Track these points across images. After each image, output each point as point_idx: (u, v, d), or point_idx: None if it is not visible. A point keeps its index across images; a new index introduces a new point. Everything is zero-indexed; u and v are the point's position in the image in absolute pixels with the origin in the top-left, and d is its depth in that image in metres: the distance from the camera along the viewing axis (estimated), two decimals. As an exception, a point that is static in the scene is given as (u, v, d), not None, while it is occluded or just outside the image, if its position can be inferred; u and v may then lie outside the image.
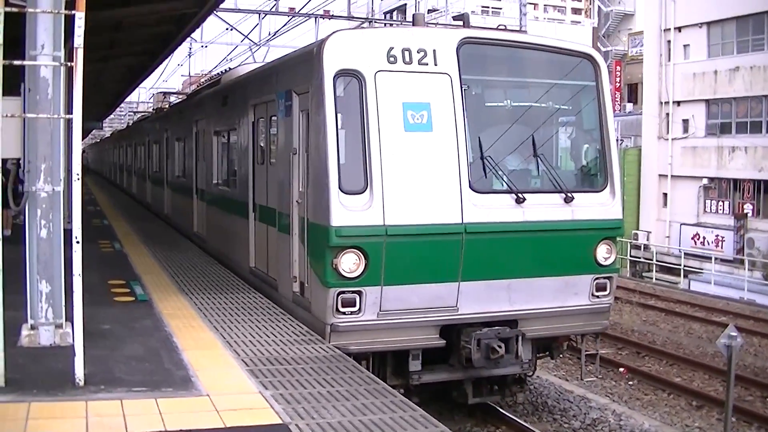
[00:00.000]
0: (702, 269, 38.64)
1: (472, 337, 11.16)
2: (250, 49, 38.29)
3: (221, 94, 18.32)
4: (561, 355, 13.86)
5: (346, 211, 10.58)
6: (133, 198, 38.32)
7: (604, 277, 12.17)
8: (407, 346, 11.20)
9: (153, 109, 43.39)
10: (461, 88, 11.22)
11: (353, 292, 10.76)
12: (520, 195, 11.39)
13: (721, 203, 43.19)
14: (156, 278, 14.84)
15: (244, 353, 9.71)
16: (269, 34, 37.21)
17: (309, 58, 11.37)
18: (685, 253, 39.62)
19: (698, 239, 42.89)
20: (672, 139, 45.60)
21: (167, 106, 34.00)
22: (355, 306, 10.80)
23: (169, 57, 32.08)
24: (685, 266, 38.06)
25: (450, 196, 11.01)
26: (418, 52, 11.05)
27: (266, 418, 7.53)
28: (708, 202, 44.03)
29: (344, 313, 10.77)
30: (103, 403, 7.75)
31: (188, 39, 32.67)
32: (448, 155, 11.06)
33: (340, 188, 10.60)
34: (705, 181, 43.77)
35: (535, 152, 11.84)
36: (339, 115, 10.78)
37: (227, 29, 37.78)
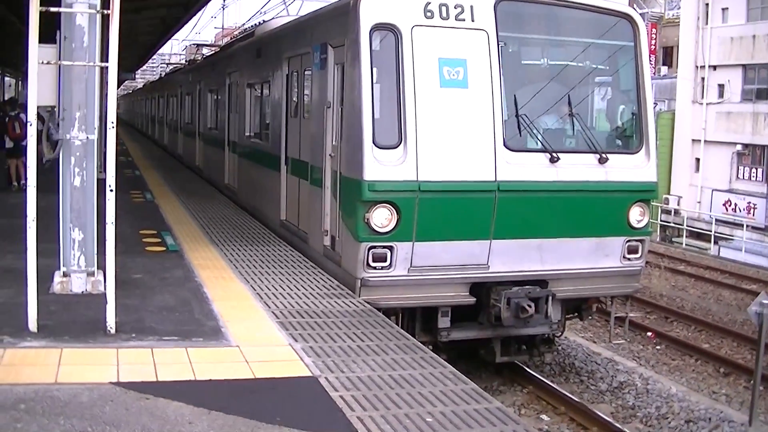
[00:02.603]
0: (732, 236, 38.35)
1: (502, 295, 11.12)
2: (284, 2, 38.06)
3: (255, 46, 18.25)
4: (590, 317, 13.81)
5: (379, 166, 10.54)
6: (165, 149, 38.43)
7: (636, 240, 12.09)
8: (437, 302, 11.20)
9: (186, 61, 43.34)
10: (498, 45, 11.09)
11: (384, 247, 10.75)
12: (554, 154, 11.31)
13: (754, 170, 42.70)
14: (187, 229, 14.91)
15: (274, 305, 9.74)
16: (303, -12, 36.94)
17: (345, 11, 11.27)
18: (716, 220, 39.29)
19: (729, 206, 42.48)
20: (707, 104, 45.05)
21: (200, 58, 33.93)
22: (385, 261, 10.79)
23: (203, 9, 31.97)
24: (715, 232, 37.78)
25: (484, 154, 10.94)
26: (455, 8, 10.92)
27: (296, 370, 7.56)
28: (741, 168, 43.53)
29: (375, 268, 10.77)
30: (133, 351, 7.81)
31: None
32: (483, 112, 10.96)
33: (374, 142, 10.56)
34: (739, 147, 43.22)
35: (570, 112, 11.76)
36: (374, 69, 10.74)
37: (262, -18, 37.58)
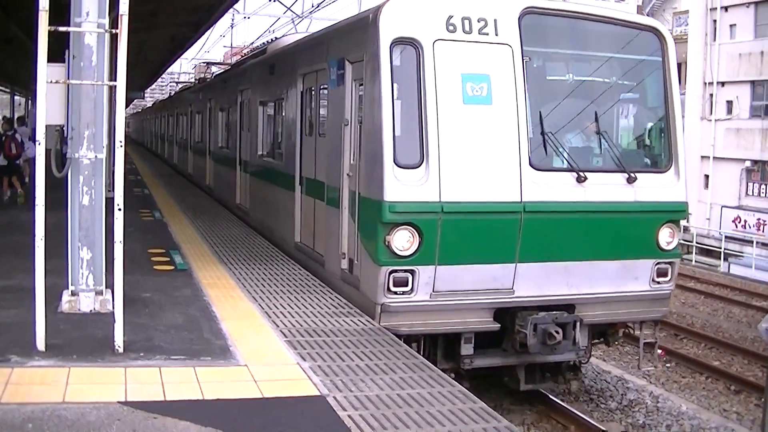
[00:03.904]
0: (742, 253, 38.26)
1: (528, 321, 10.69)
2: (293, 21, 38.24)
3: (268, 63, 17.97)
4: (616, 342, 13.50)
5: (400, 186, 10.18)
6: (175, 168, 38.41)
7: (666, 262, 11.71)
8: (460, 328, 10.80)
9: (196, 79, 43.50)
10: (522, 60, 10.75)
11: (406, 270, 10.37)
12: (581, 174, 10.93)
13: (763, 186, 42.68)
14: (196, 248, 14.90)
15: (282, 324, 9.71)
16: (312, 6, 37.12)
17: (364, 25, 10.97)
18: (725, 236, 39.21)
19: (739, 222, 42.43)
20: (715, 120, 45.10)
21: (210, 76, 34.03)
22: (407, 286, 10.41)
23: (212, 28, 32.12)
24: (725, 249, 37.69)
25: (509, 173, 10.58)
26: (478, 21, 10.59)
27: (304, 389, 7.53)
28: (750, 185, 43.55)
29: (396, 293, 10.39)
30: (141, 370, 7.79)
31: (231, 10, 32.65)
32: (507, 130, 10.62)
33: (394, 162, 10.20)
34: (748, 163, 43.28)
35: (597, 129, 11.41)
36: (395, 85, 10.37)
37: (270, 0, 37.75)
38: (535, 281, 10.95)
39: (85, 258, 9.50)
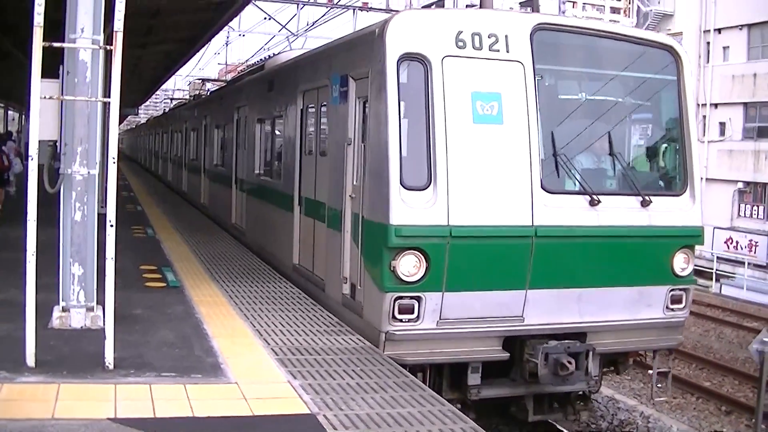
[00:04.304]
0: (734, 274, 38.28)
1: (539, 350, 10.21)
2: (288, 39, 38.28)
3: (266, 79, 17.59)
4: (627, 371, 13.24)
5: (407, 209, 9.76)
6: (169, 186, 38.18)
7: (681, 289, 11.29)
8: (468, 358, 10.34)
9: (191, 96, 43.47)
10: (534, 77, 10.35)
11: (412, 297, 9.94)
12: (594, 197, 10.52)
13: (756, 208, 42.81)
14: (189, 265, 14.85)
15: (274, 342, 9.70)
16: (307, 25, 37.17)
17: (370, 40, 10.56)
18: (717, 257, 39.22)
19: (731, 243, 42.42)
20: (708, 142, 45.23)
21: (205, 92, 33.95)
22: (413, 313, 9.97)
23: (207, 45, 32.13)
24: (717, 270, 37.69)
25: (520, 196, 10.17)
26: (489, 37, 10.19)
27: (294, 407, 7.52)
28: (742, 206, 43.68)
29: (401, 321, 9.94)
30: (132, 387, 7.78)
31: (226, 27, 32.70)
32: (519, 151, 10.22)
33: (401, 183, 9.80)
34: (740, 185, 43.43)
35: (611, 150, 11.08)
36: (402, 103, 9.96)
37: (265, 18, 37.85)
38: (545, 308, 10.50)
39: (76, 274, 9.48)
